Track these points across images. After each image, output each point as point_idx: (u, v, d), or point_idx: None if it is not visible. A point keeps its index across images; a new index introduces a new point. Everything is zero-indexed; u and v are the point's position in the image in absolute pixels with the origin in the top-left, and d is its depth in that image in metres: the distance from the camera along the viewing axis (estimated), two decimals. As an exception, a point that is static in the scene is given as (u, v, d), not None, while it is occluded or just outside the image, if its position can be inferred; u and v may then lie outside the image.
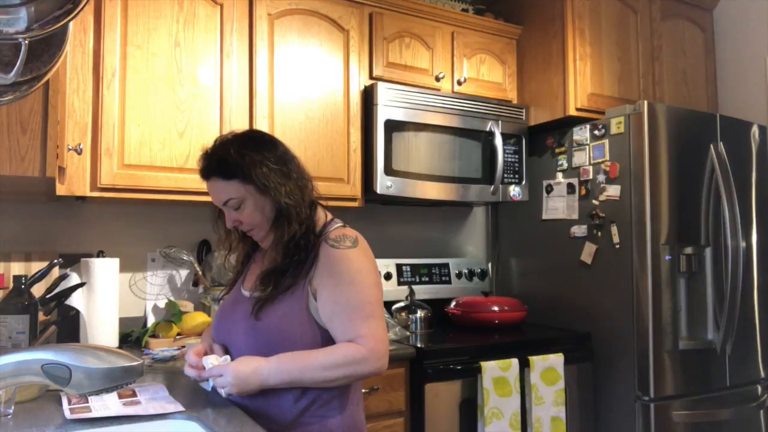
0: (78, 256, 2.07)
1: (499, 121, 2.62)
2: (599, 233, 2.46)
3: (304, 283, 1.33)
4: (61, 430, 1.13)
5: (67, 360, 0.79)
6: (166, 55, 2.03)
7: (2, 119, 1.43)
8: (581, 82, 2.59)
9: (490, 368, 2.10)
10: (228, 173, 1.35)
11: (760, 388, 2.56)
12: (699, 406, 2.36)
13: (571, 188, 2.59)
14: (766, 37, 2.96)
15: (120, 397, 1.30)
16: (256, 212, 1.37)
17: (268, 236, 1.40)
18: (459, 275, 2.84)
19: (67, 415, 1.19)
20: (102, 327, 1.96)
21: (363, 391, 1.52)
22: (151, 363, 1.79)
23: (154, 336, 2.04)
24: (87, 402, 1.26)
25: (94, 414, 1.19)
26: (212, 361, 1.31)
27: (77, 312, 1.90)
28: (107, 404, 1.25)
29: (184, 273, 2.35)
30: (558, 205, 2.65)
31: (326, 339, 1.32)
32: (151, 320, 2.20)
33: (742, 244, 2.49)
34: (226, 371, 1.25)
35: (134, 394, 1.33)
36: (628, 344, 2.33)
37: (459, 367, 2.11)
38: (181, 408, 1.22)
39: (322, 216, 1.43)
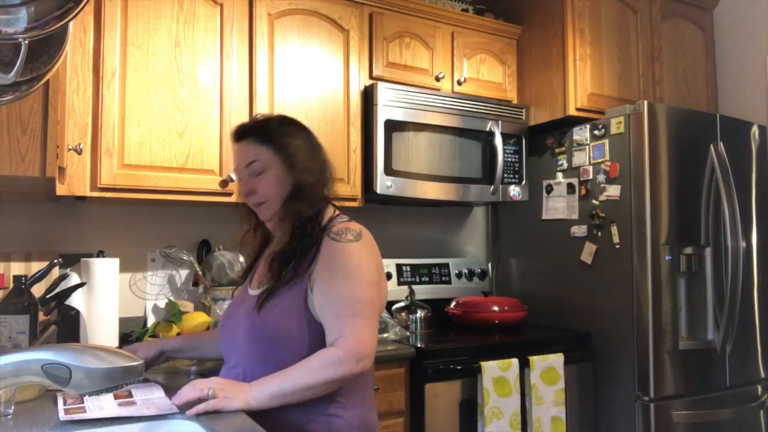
0: (78, 256, 2.07)
1: (499, 121, 2.62)
2: (599, 233, 2.46)
3: (304, 278, 1.32)
4: (61, 431, 1.13)
5: (67, 360, 0.79)
6: (166, 55, 2.03)
7: (2, 119, 1.43)
8: (581, 82, 2.59)
9: (490, 368, 2.10)
10: (264, 137, 1.39)
11: (760, 388, 2.56)
12: (699, 406, 2.36)
13: (571, 188, 2.59)
14: (766, 37, 2.96)
15: (116, 397, 1.29)
16: (276, 183, 1.38)
17: (276, 215, 1.40)
18: (459, 275, 2.84)
19: (61, 416, 1.18)
20: (102, 327, 1.95)
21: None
22: (151, 363, 1.79)
23: (154, 336, 2.04)
24: (82, 403, 1.26)
25: (89, 415, 1.18)
26: None
27: (77, 312, 1.90)
28: (102, 405, 1.24)
29: (184, 273, 2.35)
30: (558, 205, 2.65)
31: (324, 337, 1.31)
32: (151, 320, 2.20)
33: (742, 244, 2.49)
34: (209, 380, 1.27)
35: (130, 395, 1.33)
36: (628, 344, 2.33)
37: (459, 367, 2.11)
38: (176, 409, 1.22)
39: (329, 212, 1.44)
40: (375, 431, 1.39)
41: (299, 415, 1.28)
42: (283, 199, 1.39)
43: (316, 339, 1.30)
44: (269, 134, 1.40)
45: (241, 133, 1.43)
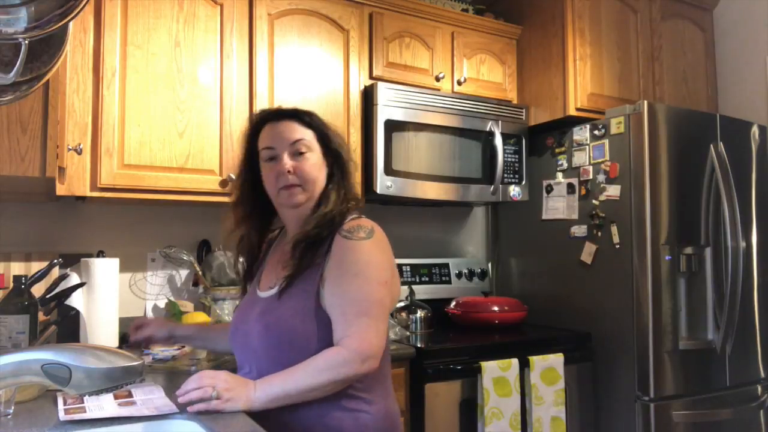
0: (78, 256, 2.07)
1: (499, 121, 2.62)
2: (599, 233, 2.46)
3: (316, 276, 1.31)
4: (61, 431, 1.13)
5: (67, 360, 0.79)
6: (166, 55, 2.03)
7: (2, 119, 1.43)
8: (581, 82, 2.59)
9: (490, 368, 2.10)
10: (307, 122, 1.41)
11: (760, 388, 2.56)
12: (699, 406, 2.36)
13: (571, 188, 2.59)
14: (766, 37, 2.96)
15: (116, 397, 1.29)
16: (318, 166, 1.40)
17: (310, 201, 1.39)
18: (459, 275, 2.84)
19: (61, 416, 1.18)
20: (102, 327, 1.96)
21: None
22: (151, 363, 1.79)
23: (154, 336, 2.04)
24: (82, 403, 1.26)
25: (88, 415, 1.18)
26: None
27: (77, 312, 1.90)
28: (102, 405, 1.24)
29: (184, 273, 2.35)
30: (558, 205, 2.65)
31: None
32: (151, 320, 2.20)
33: (742, 244, 2.49)
34: (217, 374, 1.25)
35: (130, 395, 1.32)
36: (628, 344, 2.33)
37: (459, 367, 2.11)
38: (176, 409, 1.21)
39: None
40: (398, 421, 1.38)
41: (325, 411, 1.26)
42: (322, 184, 1.40)
43: (329, 337, 1.29)
44: (313, 121, 1.42)
45: (284, 114, 1.43)
